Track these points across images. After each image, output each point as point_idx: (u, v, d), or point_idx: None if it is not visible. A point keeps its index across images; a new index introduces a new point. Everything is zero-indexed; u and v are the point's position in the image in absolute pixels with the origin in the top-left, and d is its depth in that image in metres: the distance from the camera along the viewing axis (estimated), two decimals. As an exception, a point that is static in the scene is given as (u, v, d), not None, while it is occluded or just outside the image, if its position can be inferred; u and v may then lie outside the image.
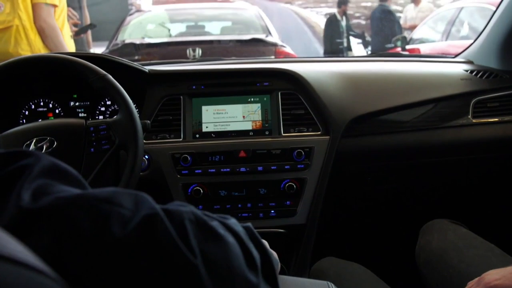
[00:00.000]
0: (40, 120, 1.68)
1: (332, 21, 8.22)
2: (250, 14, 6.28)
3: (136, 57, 5.08)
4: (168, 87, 1.67)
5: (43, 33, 2.90)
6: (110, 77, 1.33)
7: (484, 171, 1.89)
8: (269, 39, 5.35)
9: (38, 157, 0.52)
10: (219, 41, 5.38)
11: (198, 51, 4.81)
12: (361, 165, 1.76)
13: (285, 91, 1.67)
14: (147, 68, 1.71)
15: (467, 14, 6.00)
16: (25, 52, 2.82)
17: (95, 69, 1.33)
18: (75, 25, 3.70)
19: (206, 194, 1.57)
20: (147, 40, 5.52)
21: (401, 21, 7.72)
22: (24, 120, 1.71)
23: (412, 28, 7.61)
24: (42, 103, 1.72)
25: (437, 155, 1.78)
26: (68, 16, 3.41)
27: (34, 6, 2.90)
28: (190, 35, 5.85)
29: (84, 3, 4.11)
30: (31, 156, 0.52)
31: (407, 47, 6.38)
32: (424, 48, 6.43)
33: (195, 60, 3.02)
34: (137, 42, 5.35)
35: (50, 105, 1.72)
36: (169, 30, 5.73)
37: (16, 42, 2.78)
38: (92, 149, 1.30)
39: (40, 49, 2.92)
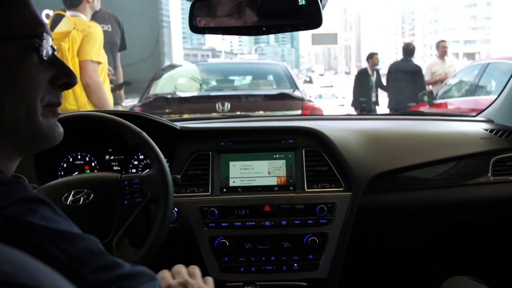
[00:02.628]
0: (76, 172, 1.79)
1: (362, 76, 8.31)
2: (278, 69, 6.43)
3: (167, 110, 5.22)
4: (198, 143, 1.77)
5: (88, 88, 3.08)
6: (145, 134, 1.42)
7: (504, 229, 1.90)
8: (296, 94, 5.45)
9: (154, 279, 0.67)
10: (247, 96, 5.51)
11: (227, 105, 4.94)
12: (382, 221, 1.79)
13: (309, 149, 1.75)
14: (179, 125, 1.81)
15: (493, 70, 6.05)
16: (71, 106, 2.98)
17: (131, 127, 1.43)
18: (110, 81, 3.87)
19: (232, 246, 1.63)
20: (178, 94, 5.67)
21: (426, 77, 7.75)
22: (62, 172, 1.81)
23: (438, 83, 7.62)
24: (79, 156, 1.82)
25: (457, 212, 1.80)
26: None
27: (81, 63, 3.08)
28: (219, 89, 5.99)
29: (119, 62, 4.31)
30: (154, 279, 0.67)
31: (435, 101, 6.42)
32: (451, 103, 6.46)
33: (224, 116, 3.13)
34: (168, 96, 5.51)
35: (87, 159, 1.83)
36: (200, 84, 5.89)
37: (64, 97, 2.95)
38: (125, 202, 1.38)
39: (85, 104, 3.08)
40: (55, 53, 0.82)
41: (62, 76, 0.81)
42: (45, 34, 0.78)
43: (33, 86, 0.76)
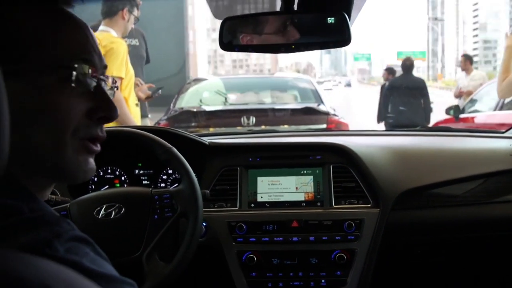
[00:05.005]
0: (107, 186, 1.82)
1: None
2: (303, 83, 6.43)
3: (192, 124, 5.26)
4: (227, 158, 1.79)
5: None
6: (175, 150, 1.45)
7: None
8: (321, 108, 5.43)
9: None
10: (272, 110, 5.51)
11: (252, 119, 4.96)
12: (410, 238, 1.78)
13: (336, 164, 1.75)
14: (207, 140, 1.83)
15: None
16: None
17: (162, 143, 1.46)
18: (149, 88, 3.88)
19: (260, 261, 1.64)
20: (203, 108, 5.71)
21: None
22: (93, 186, 1.85)
23: (463, 96, 7.51)
24: (109, 171, 1.86)
25: (485, 230, 1.79)
26: (136, 84, 3.62)
27: None
28: (244, 103, 6.01)
29: (143, 76, 4.35)
30: None
31: (461, 115, 6.34)
32: (479, 117, 6.37)
33: (251, 131, 3.14)
34: (194, 109, 5.55)
35: (117, 173, 1.86)
36: (225, 98, 5.92)
37: None
38: (156, 216, 1.40)
39: None
40: (104, 83, 0.78)
41: (100, 110, 0.76)
42: (84, 65, 0.73)
43: (64, 118, 0.71)
